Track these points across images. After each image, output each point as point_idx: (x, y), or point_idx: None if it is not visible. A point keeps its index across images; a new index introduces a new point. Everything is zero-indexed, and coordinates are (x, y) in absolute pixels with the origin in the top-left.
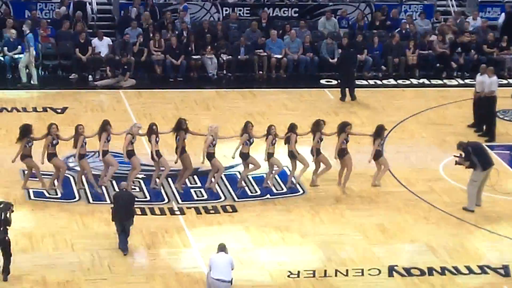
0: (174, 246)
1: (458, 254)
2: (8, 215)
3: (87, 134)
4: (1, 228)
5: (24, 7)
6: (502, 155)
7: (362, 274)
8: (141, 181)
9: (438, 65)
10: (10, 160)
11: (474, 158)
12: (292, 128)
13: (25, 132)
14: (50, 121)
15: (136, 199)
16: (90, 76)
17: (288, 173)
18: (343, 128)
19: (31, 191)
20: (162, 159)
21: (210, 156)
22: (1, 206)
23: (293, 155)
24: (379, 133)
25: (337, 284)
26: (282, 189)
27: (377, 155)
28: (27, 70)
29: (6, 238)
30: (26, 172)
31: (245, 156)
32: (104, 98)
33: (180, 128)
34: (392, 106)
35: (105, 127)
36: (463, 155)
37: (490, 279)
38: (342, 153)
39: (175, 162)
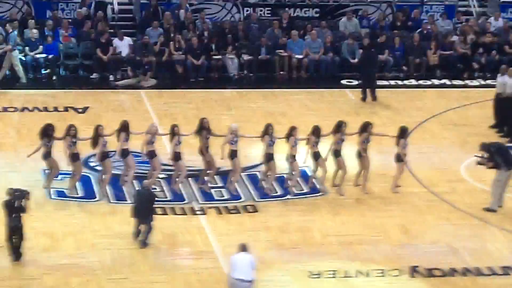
0: (195, 246)
1: (480, 255)
2: (23, 203)
3: (106, 133)
4: (14, 215)
5: (45, 7)
6: None
7: (383, 275)
8: (162, 181)
9: (459, 65)
10: (31, 160)
11: (498, 158)
12: (314, 131)
13: (45, 132)
14: (71, 121)
15: (156, 198)
16: (111, 76)
17: (309, 173)
18: (365, 128)
19: (52, 190)
20: (180, 162)
21: (233, 154)
22: (17, 194)
23: (315, 156)
24: (402, 134)
25: (358, 285)
26: (303, 190)
27: (398, 158)
28: (17, 68)
29: (19, 225)
30: (47, 171)
31: (269, 157)
32: (125, 98)
33: (203, 128)
34: (413, 106)
35: (124, 128)
36: (485, 155)
37: None
38: (359, 154)
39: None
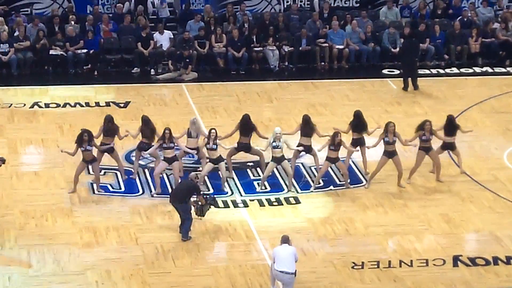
0: (237, 239)
1: None
2: None
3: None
4: None
5: (86, 3)
6: None
7: (427, 265)
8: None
9: (501, 53)
10: (74, 156)
11: None
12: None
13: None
14: (113, 116)
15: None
16: (152, 70)
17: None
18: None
19: (95, 185)
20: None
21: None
22: None
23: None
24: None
25: (402, 275)
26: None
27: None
28: None
29: None
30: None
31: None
32: (167, 92)
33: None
34: (455, 95)
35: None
36: None
37: None
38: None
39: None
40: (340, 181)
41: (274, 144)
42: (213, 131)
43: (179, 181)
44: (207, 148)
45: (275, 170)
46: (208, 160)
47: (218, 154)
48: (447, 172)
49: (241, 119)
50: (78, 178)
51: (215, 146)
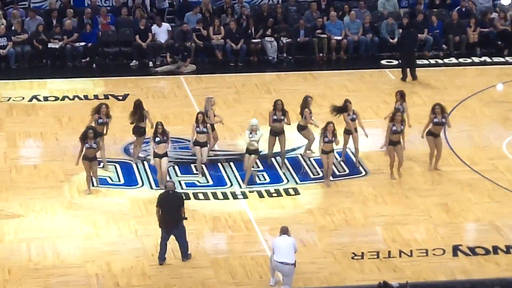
0: (237, 230)
1: None
2: None
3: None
4: None
5: None
6: None
7: (427, 254)
8: (204, 166)
9: (499, 42)
10: (72, 148)
11: None
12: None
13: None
14: (112, 108)
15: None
16: (150, 63)
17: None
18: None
19: (94, 178)
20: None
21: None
22: None
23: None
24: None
25: (401, 265)
26: (345, 171)
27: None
28: None
29: None
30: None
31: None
32: (165, 84)
33: None
34: (454, 85)
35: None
36: None
37: None
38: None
39: None
40: (339, 172)
41: (250, 136)
42: (200, 115)
43: (160, 198)
44: (197, 132)
45: (274, 161)
46: (193, 144)
47: (206, 138)
48: (446, 162)
49: None
50: (90, 177)
51: (205, 129)
